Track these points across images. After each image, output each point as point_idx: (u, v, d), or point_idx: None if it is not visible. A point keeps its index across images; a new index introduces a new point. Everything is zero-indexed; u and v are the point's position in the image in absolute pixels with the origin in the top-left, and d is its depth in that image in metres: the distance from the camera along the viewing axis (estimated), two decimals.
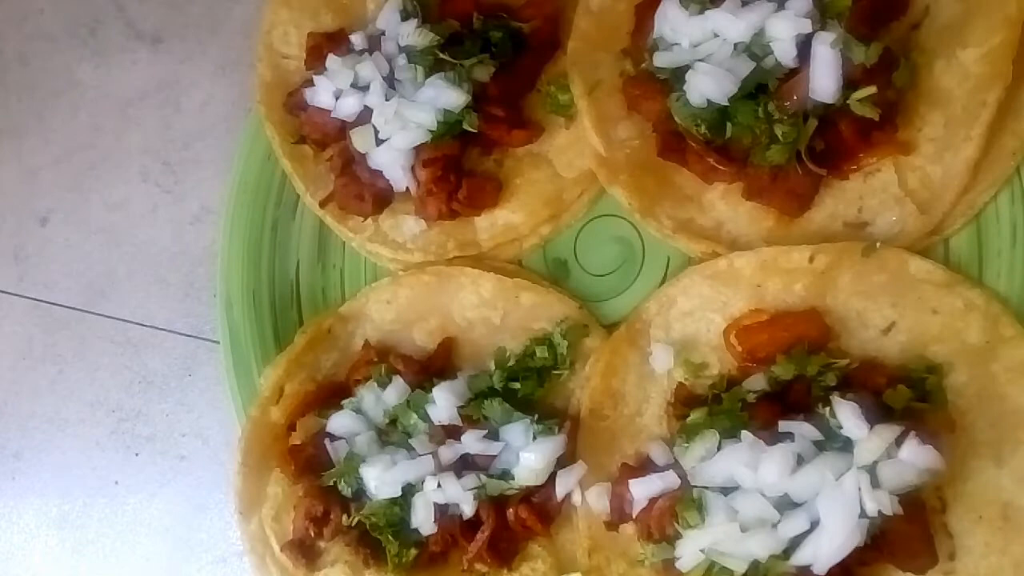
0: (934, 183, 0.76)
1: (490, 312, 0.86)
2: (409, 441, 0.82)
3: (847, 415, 0.70)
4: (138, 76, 1.09)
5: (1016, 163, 0.77)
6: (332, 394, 0.87)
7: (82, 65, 1.11)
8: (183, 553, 0.98)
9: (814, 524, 0.69)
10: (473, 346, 0.87)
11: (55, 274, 1.08)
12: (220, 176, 1.01)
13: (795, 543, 0.69)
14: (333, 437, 0.85)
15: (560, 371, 0.84)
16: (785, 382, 0.74)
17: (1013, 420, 0.72)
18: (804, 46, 0.75)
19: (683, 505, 0.73)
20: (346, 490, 0.83)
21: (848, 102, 0.74)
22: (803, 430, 0.71)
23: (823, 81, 0.74)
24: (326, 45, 0.91)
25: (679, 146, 0.81)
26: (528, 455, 0.79)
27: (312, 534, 0.84)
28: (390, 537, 0.81)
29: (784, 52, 0.75)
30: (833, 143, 0.76)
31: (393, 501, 0.81)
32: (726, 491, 0.72)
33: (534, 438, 0.79)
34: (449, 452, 0.80)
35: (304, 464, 0.85)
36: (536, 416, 0.81)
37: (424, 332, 0.88)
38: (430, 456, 0.80)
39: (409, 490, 0.80)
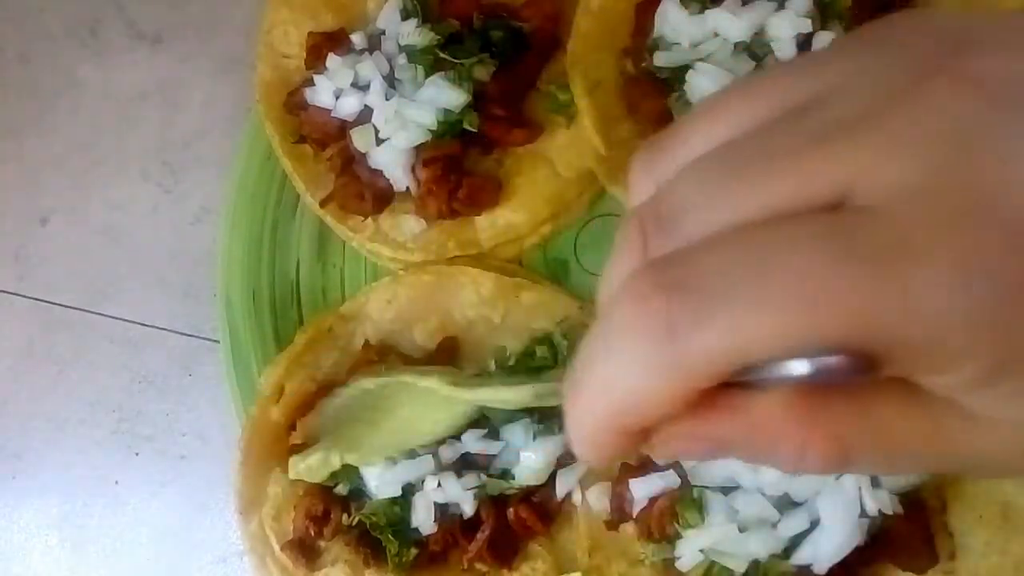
0: None
1: (490, 311, 0.86)
2: None
3: None
4: (138, 76, 1.09)
5: None
6: None
7: (82, 65, 1.11)
8: (183, 553, 0.98)
9: (814, 524, 0.69)
10: (473, 345, 0.87)
11: (55, 274, 1.08)
12: (220, 176, 1.01)
13: (795, 542, 0.69)
14: None
15: (560, 371, 0.84)
16: None
17: None
18: (804, 46, 0.75)
19: (683, 505, 0.73)
20: (343, 489, 0.83)
21: None
22: None
23: None
24: (326, 45, 0.91)
25: None
26: (528, 455, 0.79)
27: (312, 534, 0.84)
28: (390, 537, 0.81)
29: (784, 52, 0.75)
30: None
31: (393, 501, 0.81)
32: (726, 491, 0.72)
33: (534, 438, 0.79)
34: (449, 451, 0.80)
35: None
36: (536, 416, 0.81)
37: (424, 332, 0.88)
38: (430, 455, 0.80)
39: (409, 490, 0.80)
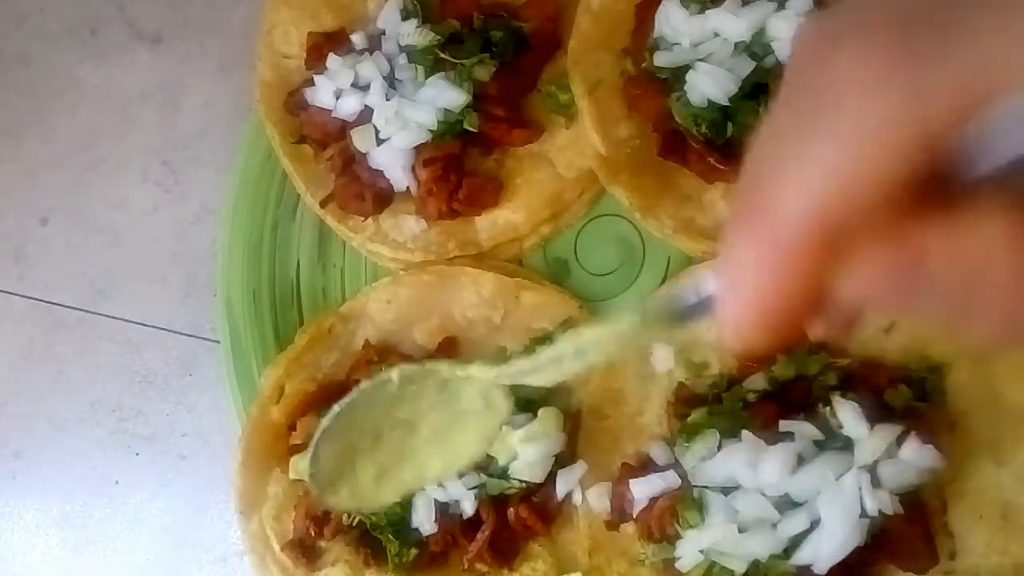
0: None
1: (491, 311, 0.86)
2: None
3: (848, 414, 0.70)
4: (138, 76, 1.09)
5: None
6: (332, 394, 0.87)
7: (82, 65, 1.11)
8: (183, 553, 0.98)
9: (814, 524, 0.69)
10: (473, 346, 0.87)
11: (55, 274, 1.08)
12: (220, 176, 1.00)
13: (795, 543, 0.69)
14: None
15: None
16: (785, 381, 0.75)
17: (1013, 419, 0.72)
18: None
19: (683, 505, 0.73)
20: None
21: None
22: (803, 430, 0.71)
23: None
24: (326, 45, 0.91)
25: (680, 146, 0.81)
26: (524, 449, 0.78)
27: (312, 534, 0.84)
28: (390, 537, 0.81)
29: (785, 51, 0.75)
30: None
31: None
32: (726, 491, 0.72)
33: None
34: None
35: None
36: (536, 415, 0.81)
37: (424, 332, 0.88)
38: None
39: None
